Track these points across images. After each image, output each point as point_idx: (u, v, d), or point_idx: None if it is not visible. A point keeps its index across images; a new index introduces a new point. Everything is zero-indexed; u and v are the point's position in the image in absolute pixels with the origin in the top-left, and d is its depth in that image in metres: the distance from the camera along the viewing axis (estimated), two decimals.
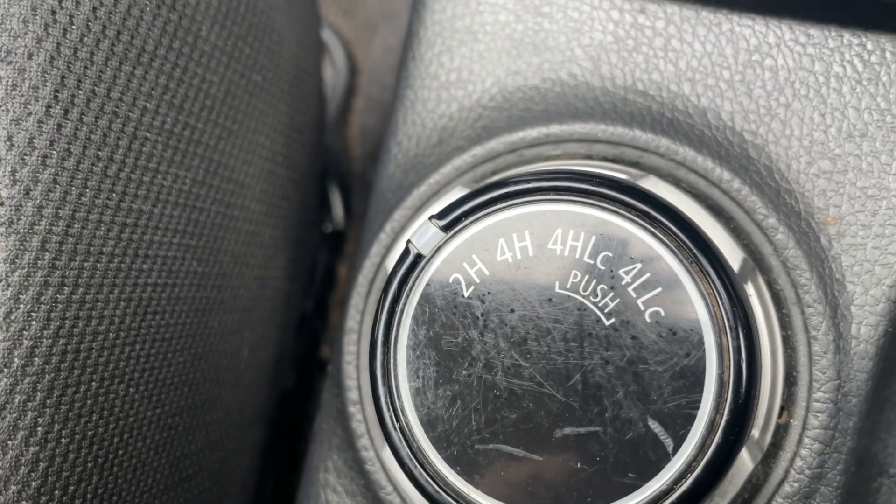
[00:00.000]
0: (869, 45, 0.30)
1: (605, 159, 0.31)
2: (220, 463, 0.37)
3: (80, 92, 0.26)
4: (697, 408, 0.24)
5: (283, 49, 0.39)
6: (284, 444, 0.53)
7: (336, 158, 0.64)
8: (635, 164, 0.31)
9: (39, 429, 0.25)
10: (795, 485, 0.28)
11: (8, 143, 0.24)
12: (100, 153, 0.27)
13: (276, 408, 0.46)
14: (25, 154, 0.25)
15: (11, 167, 0.24)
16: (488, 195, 0.27)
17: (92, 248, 0.27)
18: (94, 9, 0.27)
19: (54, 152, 0.25)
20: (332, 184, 0.62)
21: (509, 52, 0.34)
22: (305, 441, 0.60)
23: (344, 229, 0.60)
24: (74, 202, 0.26)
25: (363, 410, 0.32)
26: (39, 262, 0.25)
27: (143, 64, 0.29)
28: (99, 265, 0.27)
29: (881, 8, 0.31)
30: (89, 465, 0.27)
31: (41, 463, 0.25)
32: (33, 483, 0.25)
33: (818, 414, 0.28)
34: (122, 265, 0.28)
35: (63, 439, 0.25)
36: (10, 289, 0.24)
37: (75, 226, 0.26)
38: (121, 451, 0.28)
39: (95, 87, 0.27)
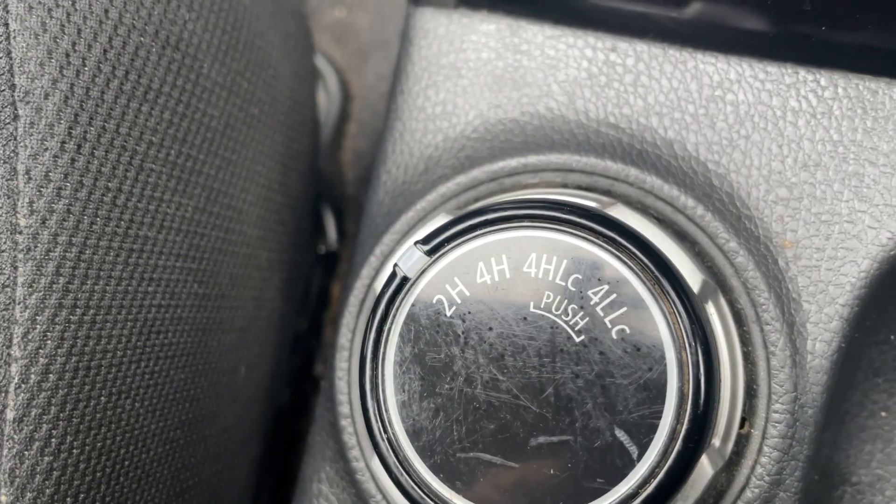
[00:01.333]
0: (822, 82, 0.33)
1: (580, 187, 0.34)
2: (217, 476, 0.39)
3: (92, 128, 0.28)
4: (660, 418, 0.26)
5: (279, 82, 0.41)
6: (279, 458, 0.55)
7: (330, 182, 0.66)
8: (607, 192, 0.33)
9: (53, 440, 0.27)
10: (756, 490, 0.30)
11: (26, 176, 0.26)
12: (109, 184, 0.29)
13: (271, 423, 0.48)
14: (42, 186, 0.27)
15: (29, 198, 0.26)
16: (469, 222, 0.29)
17: (102, 273, 0.29)
18: (105, 51, 0.29)
19: (68, 184, 0.27)
20: (326, 206, 0.64)
21: (491, 87, 0.36)
22: (299, 456, 0.61)
23: (337, 250, 0.62)
24: (86, 230, 0.28)
25: (354, 423, 0.34)
26: (54, 285, 0.27)
27: (149, 101, 0.31)
28: (108, 288, 0.29)
29: (834, 48, 0.33)
30: (98, 475, 0.29)
31: (55, 472, 0.27)
32: (47, 491, 0.27)
33: (777, 424, 0.30)
34: (129, 288, 0.30)
35: (74, 450, 0.27)
36: (28, 310, 0.26)
37: (87, 252, 0.28)
38: (127, 462, 0.30)
39: (105, 124, 0.29)
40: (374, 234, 0.37)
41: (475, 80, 0.37)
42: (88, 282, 0.28)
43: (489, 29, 0.37)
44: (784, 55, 0.34)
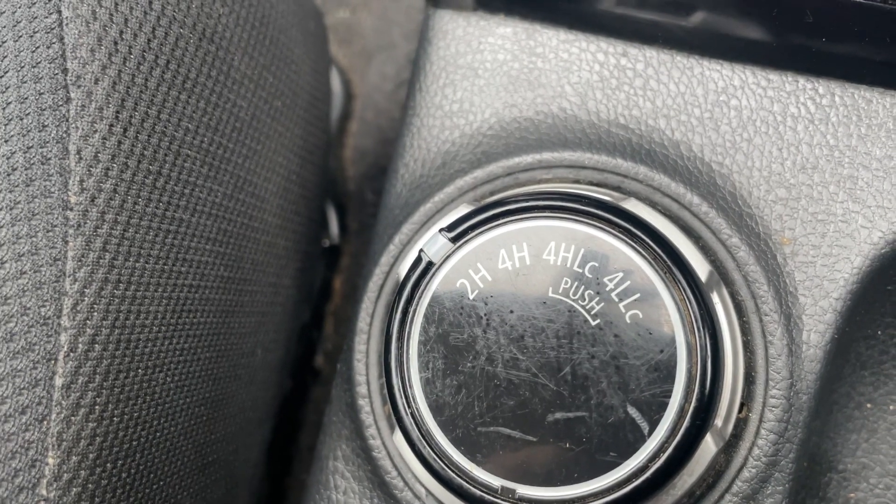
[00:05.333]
0: (821, 90, 0.35)
1: (591, 183, 0.35)
2: (233, 454, 0.40)
3: (136, 113, 0.30)
4: (669, 396, 0.28)
5: (300, 77, 0.43)
6: (286, 442, 0.56)
7: (332, 178, 0.68)
8: (617, 188, 0.35)
9: (97, 407, 0.28)
10: (753, 470, 0.32)
11: (77, 156, 0.28)
12: (150, 167, 0.31)
13: (279, 409, 0.49)
14: (91, 166, 0.28)
15: (80, 177, 0.28)
16: (492, 211, 0.31)
17: (142, 251, 0.30)
18: (149, 41, 0.31)
19: (115, 165, 0.29)
20: (329, 202, 0.66)
21: (506, 87, 0.38)
22: (297, 446, 0.63)
23: (339, 244, 0.64)
24: (130, 209, 0.29)
25: (371, 403, 0.35)
26: (101, 260, 0.28)
27: (186, 89, 0.33)
28: (147, 266, 0.31)
29: (832, 58, 0.36)
30: (134, 443, 0.30)
31: (97, 438, 0.28)
32: (90, 455, 0.28)
33: (773, 409, 0.32)
34: (165, 267, 0.32)
35: (115, 418, 0.29)
36: (77, 283, 0.28)
37: (130, 230, 0.30)
38: (158, 434, 0.32)
39: (148, 109, 0.30)
40: (393, 224, 0.38)
41: (491, 80, 0.38)
42: (130, 259, 0.29)
43: (506, 32, 0.39)
44: (785, 64, 0.36)
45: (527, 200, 0.30)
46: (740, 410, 0.32)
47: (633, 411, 0.29)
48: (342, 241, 0.65)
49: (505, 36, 0.39)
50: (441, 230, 0.31)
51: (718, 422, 0.31)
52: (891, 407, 0.38)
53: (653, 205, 0.34)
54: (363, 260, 0.65)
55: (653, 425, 0.28)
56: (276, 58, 0.40)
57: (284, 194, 0.42)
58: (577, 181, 0.36)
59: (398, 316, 0.31)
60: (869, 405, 0.38)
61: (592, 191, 0.34)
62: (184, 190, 0.33)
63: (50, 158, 0.28)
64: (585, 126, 0.37)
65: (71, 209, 0.28)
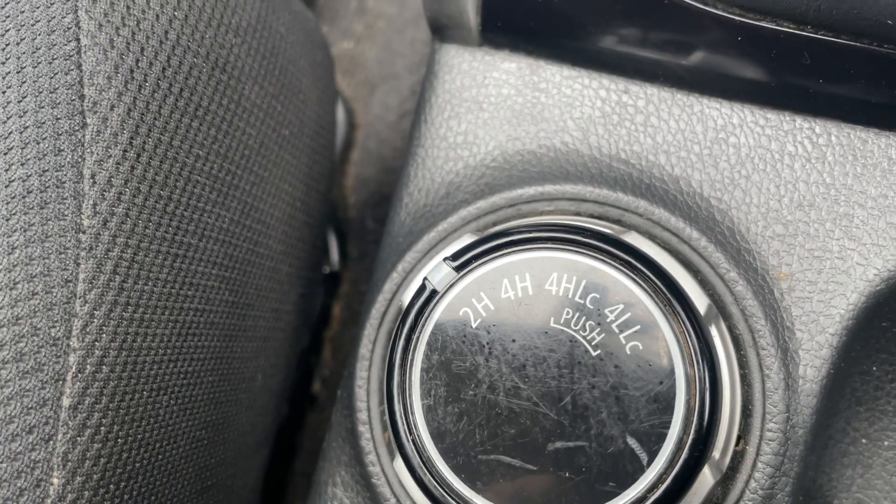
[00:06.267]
0: (817, 129, 0.36)
1: (592, 216, 0.36)
2: (231, 479, 0.40)
3: (150, 139, 0.31)
4: (668, 427, 0.29)
5: (307, 107, 0.43)
6: (282, 468, 0.56)
7: (334, 205, 0.68)
8: (618, 221, 0.36)
9: (103, 428, 0.28)
10: (750, 503, 0.32)
11: (91, 180, 0.28)
12: (161, 192, 0.31)
13: (276, 434, 0.49)
14: (105, 190, 0.29)
15: (93, 201, 0.28)
16: (495, 241, 0.31)
17: (151, 274, 0.31)
18: (164, 69, 0.31)
19: (127, 190, 0.29)
20: (330, 229, 0.66)
21: (510, 120, 0.39)
22: (292, 472, 0.63)
23: (339, 271, 0.64)
24: (140, 233, 0.30)
25: (371, 430, 0.36)
26: (111, 283, 0.29)
27: (198, 117, 0.33)
28: (155, 289, 0.31)
29: (829, 98, 0.37)
30: (137, 465, 0.30)
31: (102, 459, 0.28)
32: (95, 476, 0.28)
33: (770, 442, 0.33)
34: (172, 291, 0.32)
35: (119, 439, 0.29)
36: (87, 305, 0.28)
37: (140, 254, 0.30)
38: (160, 456, 0.32)
39: (161, 136, 0.31)
40: (397, 252, 0.39)
41: (495, 113, 0.39)
42: (140, 282, 0.30)
43: (510, 67, 0.40)
44: (783, 103, 0.37)
45: (530, 231, 0.31)
46: (737, 443, 0.33)
47: (632, 442, 0.29)
48: (342, 267, 0.65)
49: (509, 71, 0.40)
50: (445, 259, 0.32)
51: (716, 454, 0.31)
52: (885, 443, 0.38)
53: (653, 238, 0.35)
54: (363, 287, 0.65)
55: (652, 456, 0.29)
56: (284, 87, 0.41)
57: (289, 221, 0.42)
58: (577, 213, 0.36)
59: (401, 343, 0.31)
60: (864, 441, 0.38)
61: (594, 223, 0.34)
62: (192, 215, 0.33)
63: (65, 182, 0.28)
64: (587, 160, 0.38)
65: (83, 232, 0.28)
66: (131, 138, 0.30)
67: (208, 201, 0.34)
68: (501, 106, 0.39)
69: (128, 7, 0.30)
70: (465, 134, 0.39)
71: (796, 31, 0.34)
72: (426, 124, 0.40)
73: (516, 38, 0.40)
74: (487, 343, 0.30)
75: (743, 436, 0.33)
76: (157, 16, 0.31)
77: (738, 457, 0.33)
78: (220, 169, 0.35)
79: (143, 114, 0.30)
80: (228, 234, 0.36)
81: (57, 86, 0.29)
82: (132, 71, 0.30)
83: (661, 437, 0.29)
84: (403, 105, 0.69)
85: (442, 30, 0.41)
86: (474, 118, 0.39)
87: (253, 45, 0.38)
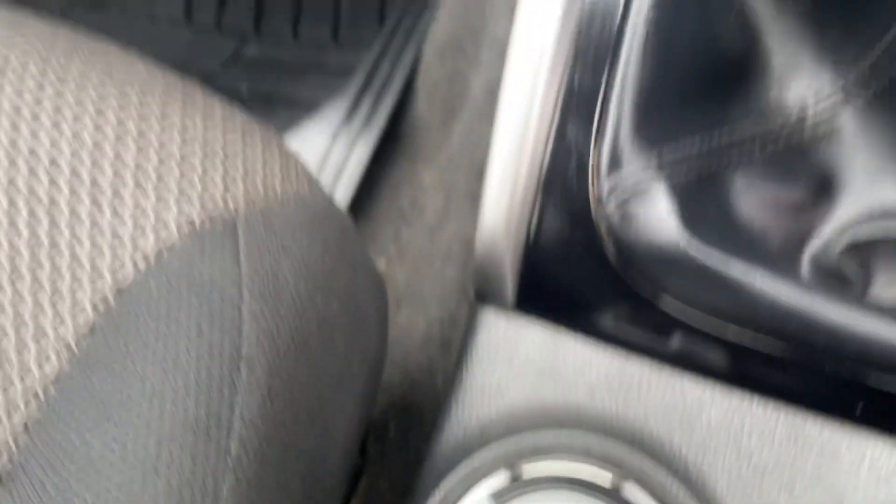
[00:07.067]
0: (769, 411, 0.47)
1: (599, 458, 0.47)
2: None
3: (280, 387, 0.41)
4: None
5: (370, 342, 0.55)
6: None
7: None
8: (619, 467, 0.46)
9: None
10: None
11: (241, 418, 0.39)
12: (286, 428, 0.41)
13: None
14: (248, 427, 0.39)
15: (239, 433, 0.39)
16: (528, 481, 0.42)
17: (264, 488, 0.40)
18: (293, 337, 0.43)
19: (262, 427, 0.40)
20: None
21: (533, 378, 0.50)
22: None
23: (362, 467, 0.73)
24: (268, 461, 0.40)
25: None
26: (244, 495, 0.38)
27: (309, 366, 0.44)
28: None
29: (776, 385, 0.48)
30: None
31: None
32: None
33: None
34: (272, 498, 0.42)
35: None
36: None
37: (264, 475, 0.40)
38: None
39: (285, 385, 0.42)
40: (436, 476, 0.49)
41: (522, 369, 0.51)
42: (263, 493, 0.40)
43: (535, 333, 0.51)
44: (745, 384, 0.48)
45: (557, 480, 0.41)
46: None
47: None
48: (363, 463, 0.74)
49: (534, 337, 0.51)
50: (490, 495, 0.42)
51: None
52: None
53: (644, 485, 0.45)
54: (382, 485, 0.74)
55: None
56: (357, 331, 0.52)
57: (345, 441, 0.52)
58: (588, 455, 0.47)
59: None
60: None
61: (598, 465, 0.45)
62: (294, 440, 0.43)
63: (221, 416, 0.39)
64: (594, 416, 0.49)
65: (230, 454, 0.38)
66: (270, 388, 0.40)
67: (304, 427, 0.45)
68: (528, 364, 0.51)
69: (277, 291, 0.42)
70: (499, 384, 0.50)
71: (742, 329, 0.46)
72: (466, 371, 0.52)
73: (542, 309, 0.52)
74: None
75: None
76: (293, 297, 0.43)
77: None
78: (315, 404, 0.45)
79: (277, 369, 0.41)
80: (311, 455, 0.46)
81: (224, 342, 0.40)
82: (274, 338, 0.41)
83: None
84: (430, 329, 0.80)
85: (484, 297, 0.53)
86: (505, 371, 0.51)
87: (344, 304, 0.49)
